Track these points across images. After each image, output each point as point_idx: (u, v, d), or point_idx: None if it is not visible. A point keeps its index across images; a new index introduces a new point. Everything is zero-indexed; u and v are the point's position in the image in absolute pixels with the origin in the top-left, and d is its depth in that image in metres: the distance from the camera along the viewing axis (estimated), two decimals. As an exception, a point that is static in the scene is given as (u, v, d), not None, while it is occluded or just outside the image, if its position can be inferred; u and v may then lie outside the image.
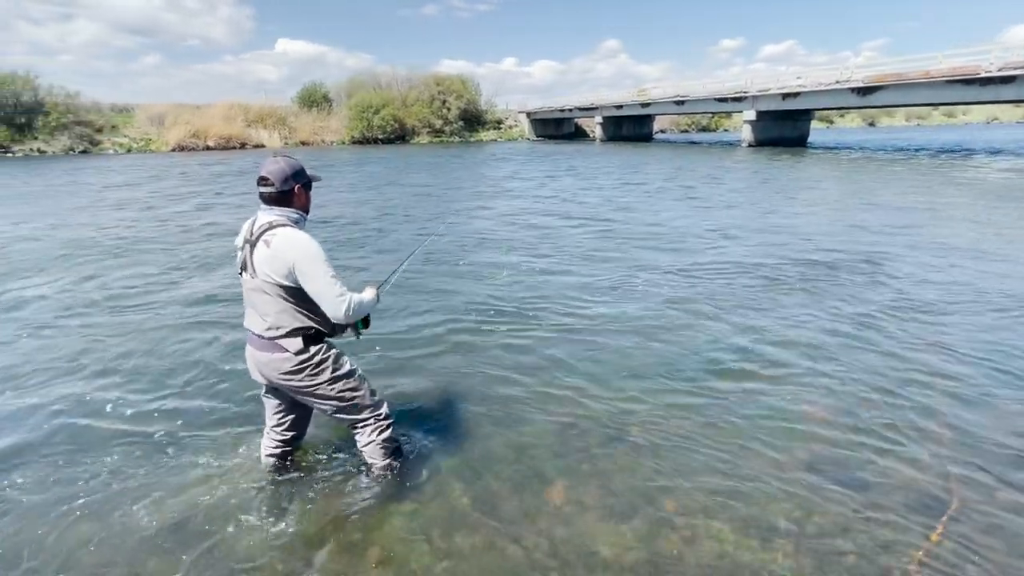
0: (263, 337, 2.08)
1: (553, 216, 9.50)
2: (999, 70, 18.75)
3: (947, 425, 2.81)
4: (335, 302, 1.98)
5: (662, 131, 59.59)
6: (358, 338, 2.30)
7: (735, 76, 31.58)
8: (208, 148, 38.52)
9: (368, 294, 2.20)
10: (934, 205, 9.77)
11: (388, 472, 2.39)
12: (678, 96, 35.04)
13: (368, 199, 12.18)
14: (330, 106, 47.45)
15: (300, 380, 2.12)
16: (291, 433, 2.44)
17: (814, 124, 65.77)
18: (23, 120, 34.31)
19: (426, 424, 2.88)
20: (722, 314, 4.46)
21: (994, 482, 2.37)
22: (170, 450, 2.68)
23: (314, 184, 2.19)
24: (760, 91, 28.79)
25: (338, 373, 2.18)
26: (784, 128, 31.04)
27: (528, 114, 51.94)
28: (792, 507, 2.24)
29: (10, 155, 32.68)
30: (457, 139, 46.96)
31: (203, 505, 2.28)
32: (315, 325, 2.10)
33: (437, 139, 46.25)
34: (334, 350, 2.21)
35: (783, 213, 9.42)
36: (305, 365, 2.10)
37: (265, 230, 2.01)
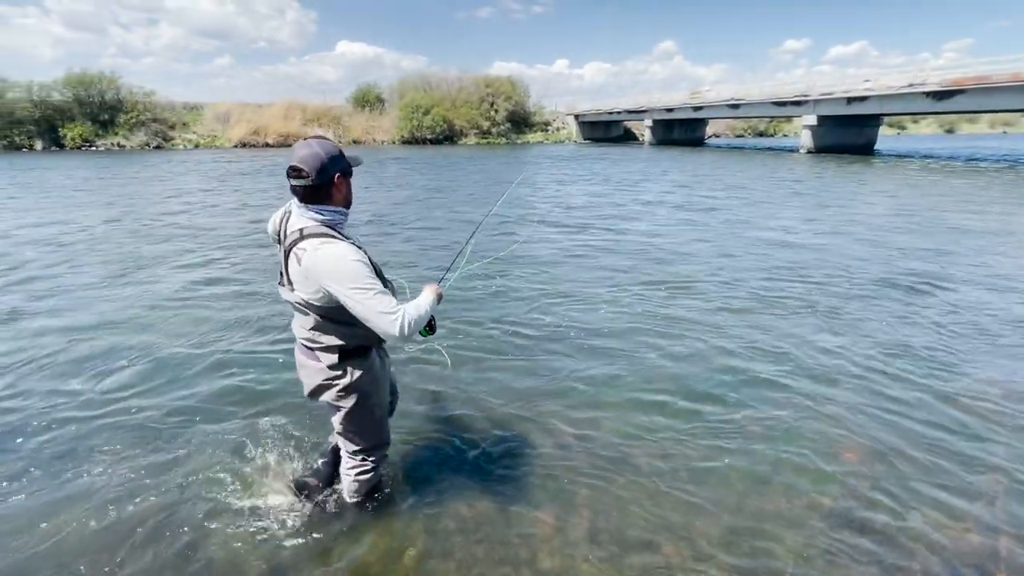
0: (304, 344, 1.95)
1: (557, 213, 9.29)
2: (1102, 73, 16.86)
3: (999, 482, 2.48)
4: (386, 322, 1.68)
5: (716, 135, 57.67)
6: (425, 338, 2.14)
7: (796, 79, 29.95)
8: (267, 145, 40.49)
9: (425, 298, 1.88)
10: (1009, 226, 8.85)
11: (357, 506, 2.25)
12: (733, 99, 33.71)
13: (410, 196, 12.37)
14: (382, 106, 48.81)
15: (328, 393, 1.97)
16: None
17: (883, 131, 62.16)
18: (106, 117, 37.26)
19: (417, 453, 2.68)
20: (751, 338, 4.16)
21: (1054, 553, 2.05)
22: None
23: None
24: (822, 94, 27.25)
25: (364, 402, 2.00)
26: (848, 134, 29.24)
27: (576, 116, 51.53)
28: (806, 568, 2.01)
29: (94, 149, 35.59)
30: (504, 141, 47.16)
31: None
32: (358, 341, 1.90)
33: (484, 140, 46.63)
34: (370, 375, 1.99)
35: (806, 231, 8.79)
36: (335, 382, 1.94)
37: (296, 240, 1.74)
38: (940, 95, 22.17)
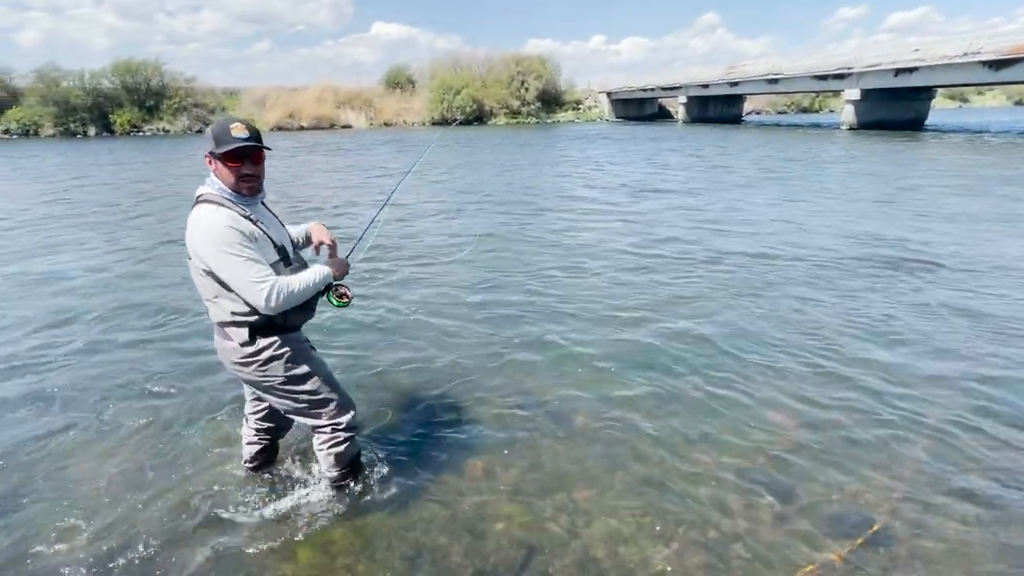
0: (216, 324, 1.88)
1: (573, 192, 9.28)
2: None
3: (916, 459, 2.51)
4: (253, 292, 1.69)
5: (756, 112, 55.19)
6: (337, 308, 2.01)
7: (840, 51, 28.22)
8: (302, 128, 41.52)
9: (309, 273, 1.83)
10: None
11: (340, 486, 2.18)
12: (771, 74, 32.18)
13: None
14: (413, 87, 49.00)
15: (249, 374, 1.90)
16: (268, 424, 2.22)
17: (942, 103, 57.81)
18: (152, 103, 38.99)
19: (405, 434, 2.66)
20: (737, 308, 4.20)
21: (931, 515, 2.11)
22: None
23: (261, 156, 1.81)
24: (867, 66, 25.68)
25: (292, 373, 1.91)
26: (895, 108, 27.47)
27: (608, 94, 50.30)
28: (705, 509, 2.14)
29: (141, 134, 37.43)
30: (534, 120, 46.66)
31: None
32: (261, 317, 1.80)
33: (514, 120, 46.25)
34: (289, 347, 1.90)
35: (805, 210, 8.48)
36: (252, 360, 1.86)
37: (193, 205, 1.78)
38: (998, 64, 20.55)
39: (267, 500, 2.19)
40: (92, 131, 37.04)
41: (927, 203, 8.26)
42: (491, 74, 48.18)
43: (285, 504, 2.17)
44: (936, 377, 3.12)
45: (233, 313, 1.79)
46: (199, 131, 38.99)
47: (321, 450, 2.08)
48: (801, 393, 2.98)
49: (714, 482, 2.30)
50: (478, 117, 45.95)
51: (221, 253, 1.67)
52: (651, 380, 3.15)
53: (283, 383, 1.91)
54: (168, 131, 38.28)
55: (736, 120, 43.22)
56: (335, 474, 2.13)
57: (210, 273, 1.74)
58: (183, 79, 41.02)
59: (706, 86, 38.87)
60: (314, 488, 2.23)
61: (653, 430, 2.67)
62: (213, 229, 1.68)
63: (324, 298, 1.97)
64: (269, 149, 1.83)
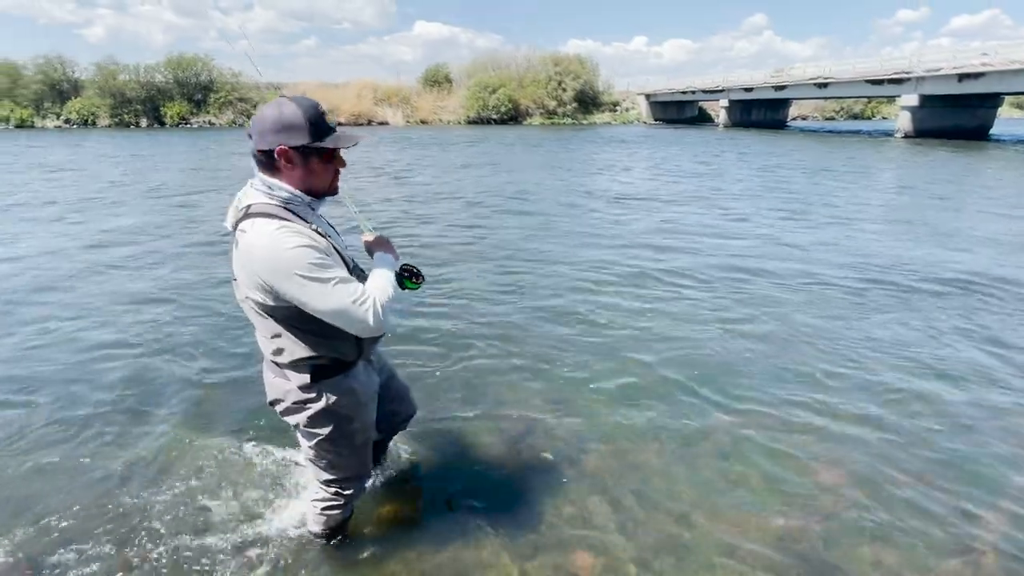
0: (270, 360, 1.59)
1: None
2: None
3: (993, 527, 2.08)
4: (359, 315, 1.37)
5: (803, 118, 53.15)
6: (415, 290, 1.70)
7: (895, 56, 26.79)
8: (340, 124, 42.08)
9: (383, 268, 1.55)
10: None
11: (317, 537, 1.95)
12: (820, 78, 30.72)
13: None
14: (451, 86, 49.27)
15: (297, 418, 1.63)
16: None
17: (1008, 112, 54.13)
18: (200, 97, 40.48)
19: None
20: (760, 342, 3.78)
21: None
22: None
23: (347, 150, 1.47)
24: (928, 71, 24.14)
25: (343, 430, 1.65)
26: (957, 116, 25.75)
27: (647, 96, 49.31)
28: (731, 588, 1.80)
29: (189, 126, 38.90)
30: (570, 121, 46.17)
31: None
32: (334, 354, 1.54)
33: (549, 121, 45.90)
34: (352, 397, 1.63)
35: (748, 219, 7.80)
36: (306, 407, 1.59)
37: (240, 219, 1.39)
38: (1076, 71, 18.90)
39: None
40: (144, 122, 38.72)
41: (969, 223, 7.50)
42: (529, 74, 47.97)
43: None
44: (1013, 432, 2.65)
45: (297, 353, 1.49)
46: (242, 125, 40.27)
47: (315, 507, 1.88)
48: (862, 445, 2.56)
49: (740, 551, 1.94)
50: (513, 117, 45.79)
51: (302, 279, 1.31)
52: (676, 415, 2.79)
53: (328, 435, 1.64)
54: (214, 124, 39.63)
55: (781, 125, 41.63)
56: (318, 531, 1.93)
57: (270, 308, 1.41)
58: (230, 74, 42.40)
59: (750, 89, 37.50)
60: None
61: (677, 480, 2.32)
62: (280, 254, 1.31)
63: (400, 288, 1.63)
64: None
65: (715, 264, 5.47)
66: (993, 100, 26.37)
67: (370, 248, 1.71)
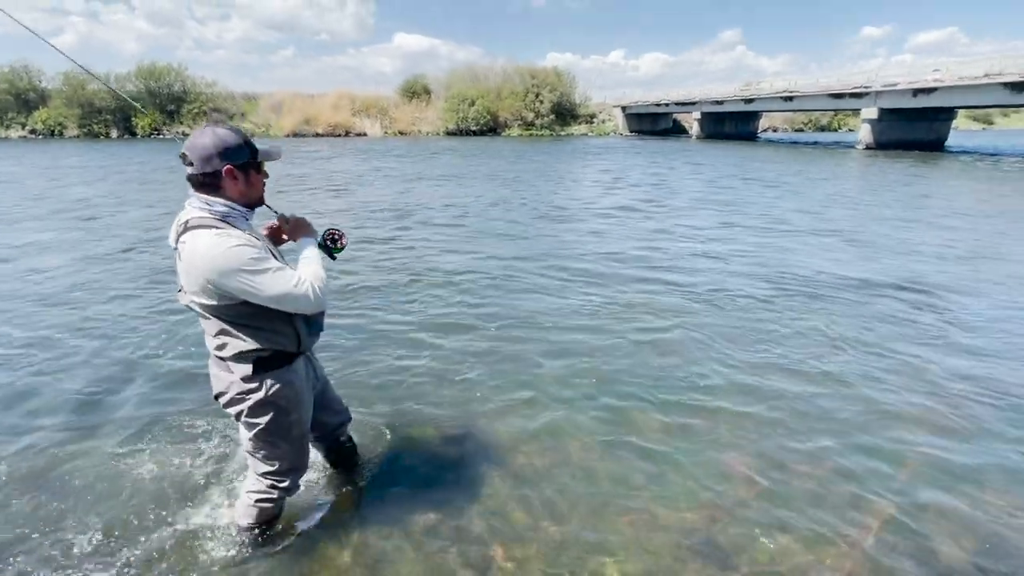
0: (215, 356, 1.72)
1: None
2: None
3: (877, 511, 2.24)
4: (298, 293, 1.56)
5: (773, 129, 54.79)
6: (340, 253, 1.96)
7: (856, 71, 27.93)
8: (317, 135, 42.11)
9: (310, 251, 1.74)
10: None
11: (242, 531, 2.01)
12: (786, 91, 31.82)
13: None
14: (429, 97, 49.57)
15: (241, 408, 1.75)
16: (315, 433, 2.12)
17: (967, 125, 56.77)
18: (173, 107, 39.97)
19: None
20: (699, 342, 3.95)
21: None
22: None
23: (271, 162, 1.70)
24: (885, 86, 25.22)
25: (282, 420, 1.78)
26: (915, 129, 26.96)
27: (623, 108, 50.29)
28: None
29: (162, 137, 38.30)
30: (547, 133, 46.78)
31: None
32: (275, 346, 1.68)
33: (527, 132, 46.44)
34: (289, 390, 1.77)
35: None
36: (247, 397, 1.72)
37: (180, 233, 1.57)
38: (1020, 86, 20.00)
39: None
40: (115, 133, 38.02)
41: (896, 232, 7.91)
42: (506, 86, 48.56)
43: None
44: (909, 426, 2.84)
45: (240, 346, 1.65)
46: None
47: (247, 498, 1.96)
48: (769, 438, 2.72)
49: (645, 540, 2.06)
50: (492, 128, 46.22)
51: (248, 273, 1.50)
52: (593, 417, 2.92)
53: (267, 424, 1.77)
54: (188, 135, 38.82)
55: (751, 137, 42.84)
56: (246, 524, 1.99)
57: (213, 307, 1.57)
58: (204, 84, 42.03)
59: (720, 102, 38.58)
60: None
61: (597, 473, 2.44)
62: (224, 257, 1.48)
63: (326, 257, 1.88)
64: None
65: (633, 275, 5.58)
66: (947, 113, 27.65)
67: (289, 235, 1.86)
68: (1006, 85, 20.44)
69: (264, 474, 1.90)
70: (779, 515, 2.20)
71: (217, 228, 1.53)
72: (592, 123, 50.98)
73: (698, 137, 41.99)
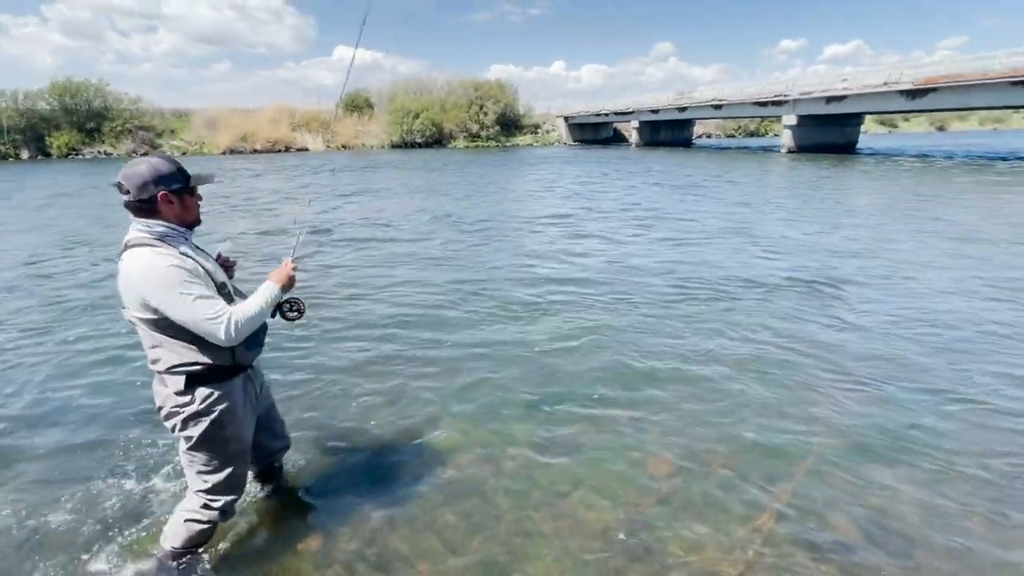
0: (153, 370, 1.78)
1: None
2: (1070, 70, 16.86)
3: (789, 498, 2.47)
4: (210, 327, 1.62)
5: (708, 135, 57.66)
6: (293, 322, 1.95)
7: (777, 80, 30.02)
8: (255, 151, 40.58)
9: (260, 295, 1.78)
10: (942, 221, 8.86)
11: (167, 555, 1.95)
12: (715, 100, 33.74)
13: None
14: (372, 111, 48.97)
15: (175, 422, 1.80)
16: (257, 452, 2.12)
17: (874, 129, 61.99)
18: (93, 125, 37.38)
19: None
20: (613, 337, 4.16)
21: None
22: None
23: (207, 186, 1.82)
24: (802, 94, 27.25)
25: (215, 435, 1.81)
26: (830, 133, 29.23)
27: (566, 118, 51.58)
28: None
29: (80, 157, 35.74)
30: (494, 143, 47.25)
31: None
32: (209, 360, 1.73)
33: (474, 143, 46.72)
34: (223, 403, 1.80)
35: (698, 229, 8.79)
36: (181, 410, 1.76)
37: (122, 251, 1.69)
38: (914, 93, 22.16)
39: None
40: (25, 154, 35.16)
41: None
42: (450, 98, 48.76)
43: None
44: (809, 416, 3.12)
45: (173, 360, 1.72)
46: (144, 154, 37.62)
47: (178, 516, 1.94)
48: (686, 432, 2.90)
49: (572, 544, 2.17)
50: (437, 140, 46.21)
51: (172, 293, 1.60)
52: (535, 419, 3.02)
53: (199, 438, 1.80)
54: (111, 154, 36.69)
55: (687, 143, 44.95)
56: (174, 548, 1.93)
57: (151, 321, 1.67)
58: (128, 100, 39.61)
59: (656, 111, 40.33)
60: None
61: (526, 482, 2.52)
62: (157, 273, 1.60)
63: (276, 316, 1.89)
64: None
65: (552, 283, 5.74)
66: (857, 119, 30.17)
67: (271, 274, 1.91)
68: (902, 92, 22.59)
69: (198, 491, 1.90)
70: (695, 506, 2.35)
71: (155, 247, 1.65)
72: (537, 133, 51.93)
73: (637, 145, 43.67)
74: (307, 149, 43.05)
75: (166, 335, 1.68)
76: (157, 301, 1.61)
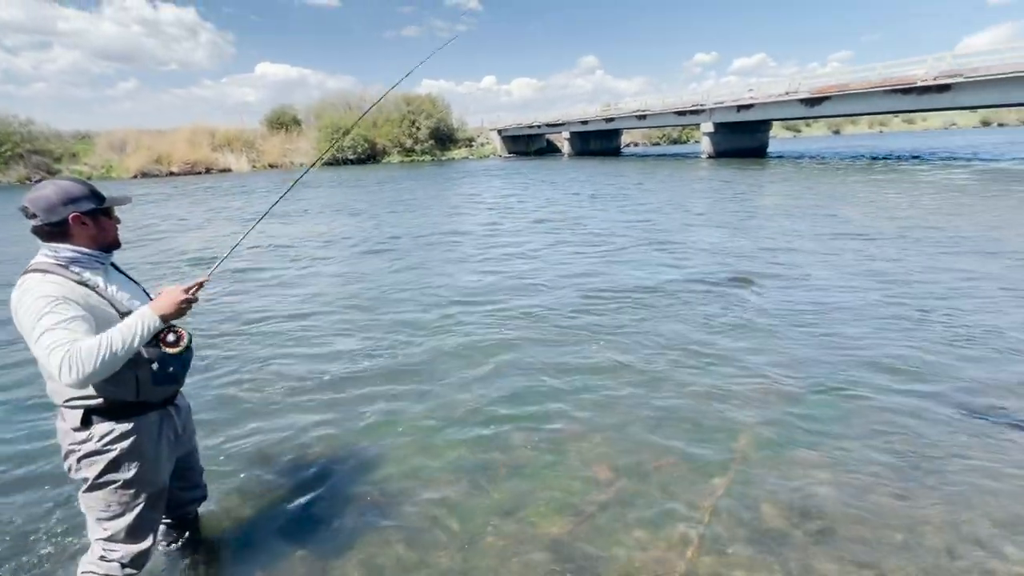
0: (54, 404, 1.66)
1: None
2: (934, 79, 19.24)
3: (719, 493, 2.62)
4: (47, 360, 1.41)
5: (635, 144, 60.43)
6: (177, 353, 1.66)
7: (694, 91, 32.03)
8: (172, 174, 37.99)
9: (127, 326, 1.50)
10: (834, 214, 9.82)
11: None
12: (639, 111, 35.51)
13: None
14: (299, 128, 47.35)
15: (72, 460, 1.66)
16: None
17: (782, 134, 67.60)
18: (-26, 151, 33.56)
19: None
20: (541, 341, 4.27)
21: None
22: None
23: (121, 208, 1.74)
24: (716, 104, 29.26)
25: (112, 476, 1.66)
26: (743, 139, 31.55)
27: (499, 131, 52.32)
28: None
29: (-40, 186, 31.91)
30: (428, 158, 47.03)
31: None
32: (111, 396, 1.61)
33: (408, 158, 46.27)
34: (125, 442, 1.65)
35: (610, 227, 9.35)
36: (77, 448, 1.63)
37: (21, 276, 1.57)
38: (811, 102, 24.42)
39: None
40: None
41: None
42: (382, 114, 48.11)
43: None
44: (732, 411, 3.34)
45: (69, 393, 1.60)
46: (40, 180, 34.14)
47: (79, 569, 1.76)
48: (620, 439, 2.99)
49: (519, 564, 2.17)
50: (371, 156, 45.36)
51: (27, 324, 1.46)
52: (471, 442, 3.00)
53: (95, 480, 1.66)
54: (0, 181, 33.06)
55: (616, 152, 46.91)
56: None
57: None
58: (17, 123, 35.90)
59: (586, 123, 41.86)
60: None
61: (467, 507, 2.49)
62: (29, 300, 1.47)
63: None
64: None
65: (467, 298, 5.74)
66: (765, 125, 32.79)
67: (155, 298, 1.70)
68: (802, 101, 24.82)
69: (97, 539, 1.73)
70: (634, 510, 2.42)
71: (47, 273, 1.52)
72: (472, 146, 52.26)
73: (569, 155, 45.04)
74: (230, 170, 40.87)
75: None
76: (24, 330, 1.48)
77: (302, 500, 2.57)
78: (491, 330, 4.78)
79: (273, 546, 2.28)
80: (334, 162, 43.32)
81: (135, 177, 36.46)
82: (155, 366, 1.63)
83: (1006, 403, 3.21)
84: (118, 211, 1.77)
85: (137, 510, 1.72)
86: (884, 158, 25.44)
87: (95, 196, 1.65)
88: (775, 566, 2.10)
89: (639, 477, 2.67)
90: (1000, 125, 72.16)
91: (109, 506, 1.69)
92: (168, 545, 2.19)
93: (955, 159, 22.42)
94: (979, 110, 57.47)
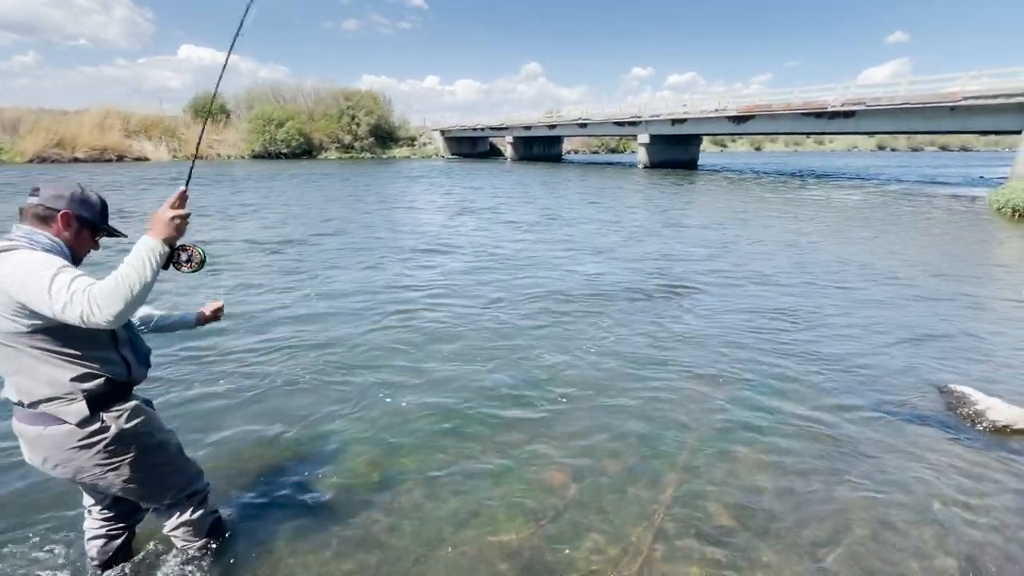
0: (24, 405, 1.53)
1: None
2: (841, 105, 21.24)
3: (668, 491, 2.72)
4: (70, 309, 1.32)
5: (576, 151, 61.99)
6: (193, 273, 1.62)
7: (632, 103, 33.41)
8: (76, 160, 34.34)
9: (133, 255, 1.42)
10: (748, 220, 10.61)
11: (206, 553, 2.02)
12: (581, 119, 36.47)
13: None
14: (227, 118, 44.44)
15: (89, 459, 1.58)
16: (121, 509, 1.91)
17: (710, 148, 72.08)
18: None
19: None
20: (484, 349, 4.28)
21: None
22: None
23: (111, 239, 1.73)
24: (652, 116, 30.64)
25: (151, 444, 1.69)
26: (676, 151, 33.27)
27: (442, 132, 51.82)
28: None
29: None
30: (368, 155, 45.68)
31: None
32: (110, 376, 1.56)
33: (347, 155, 44.72)
34: (141, 414, 1.67)
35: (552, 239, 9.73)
36: (94, 443, 1.57)
37: None
38: (738, 119, 26.18)
39: None
40: None
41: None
42: (319, 107, 46.22)
43: None
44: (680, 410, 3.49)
45: (64, 385, 1.49)
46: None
47: (178, 532, 1.92)
48: (578, 442, 3.03)
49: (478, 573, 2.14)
50: (307, 151, 43.40)
51: (30, 279, 1.35)
52: (429, 449, 2.94)
53: (136, 457, 1.65)
54: None
55: (558, 159, 47.89)
56: (201, 541, 1.99)
57: (21, 334, 1.42)
58: None
59: (529, 128, 42.41)
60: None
61: (424, 517, 2.42)
62: (27, 265, 1.37)
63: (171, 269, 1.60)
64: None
65: (406, 304, 5.76)
66: (697, 139, 34.80)
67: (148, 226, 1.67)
68: (730, 118, 26.55)
69: (170, 505, 1.86)
70: (591, 513, 2.45)
71: (32, 249, 1.44)
72: (414, 146, 51.37)
73: (512, 159, 45.44)
74: (147, 159, 37.60)
75: (53, 349, 1.45)
76: (19, 288, 1.35)
77: (243, 512, 2.38)
78: (440, 337, 4.70)
79: (213, 565, 2.08)
80: (266, 155, 41.05)
81: (31, 162, 32.59)
82: (137, 344, 1.69)
83: (912, 398, 3.58)
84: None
85: (183, 458, 1.86)
86: (796, 174, 27.75)
87: (100, 215, 1.65)
88: (723, 560, 2.20)
89: (592, 481, 2.71)
90: (892, 150, 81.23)
91: (165, 469, 1.77)
92: (106, 555, 1.98)
93: (861, 179, 24.88)
94: (876, 136, 64.37)
